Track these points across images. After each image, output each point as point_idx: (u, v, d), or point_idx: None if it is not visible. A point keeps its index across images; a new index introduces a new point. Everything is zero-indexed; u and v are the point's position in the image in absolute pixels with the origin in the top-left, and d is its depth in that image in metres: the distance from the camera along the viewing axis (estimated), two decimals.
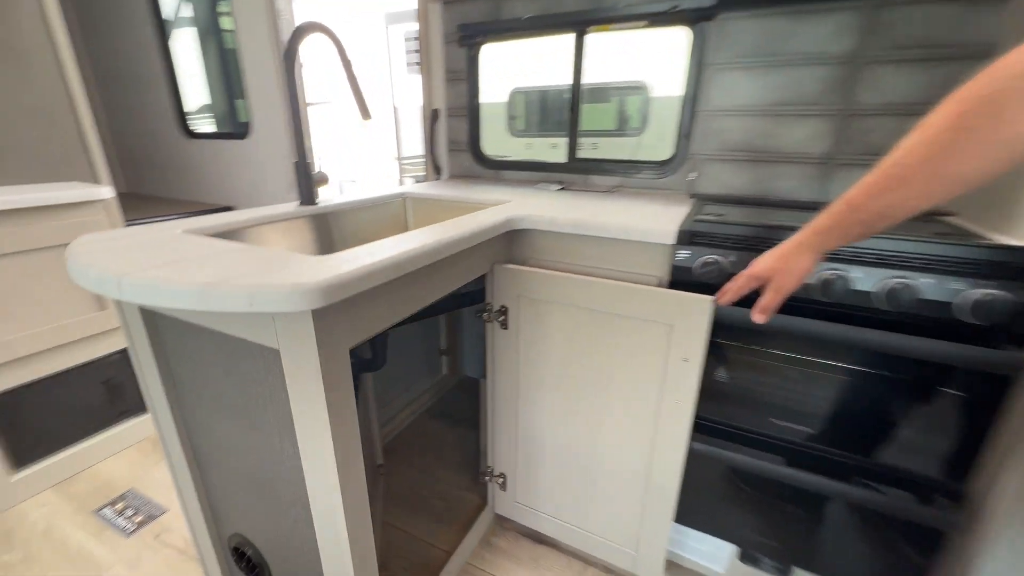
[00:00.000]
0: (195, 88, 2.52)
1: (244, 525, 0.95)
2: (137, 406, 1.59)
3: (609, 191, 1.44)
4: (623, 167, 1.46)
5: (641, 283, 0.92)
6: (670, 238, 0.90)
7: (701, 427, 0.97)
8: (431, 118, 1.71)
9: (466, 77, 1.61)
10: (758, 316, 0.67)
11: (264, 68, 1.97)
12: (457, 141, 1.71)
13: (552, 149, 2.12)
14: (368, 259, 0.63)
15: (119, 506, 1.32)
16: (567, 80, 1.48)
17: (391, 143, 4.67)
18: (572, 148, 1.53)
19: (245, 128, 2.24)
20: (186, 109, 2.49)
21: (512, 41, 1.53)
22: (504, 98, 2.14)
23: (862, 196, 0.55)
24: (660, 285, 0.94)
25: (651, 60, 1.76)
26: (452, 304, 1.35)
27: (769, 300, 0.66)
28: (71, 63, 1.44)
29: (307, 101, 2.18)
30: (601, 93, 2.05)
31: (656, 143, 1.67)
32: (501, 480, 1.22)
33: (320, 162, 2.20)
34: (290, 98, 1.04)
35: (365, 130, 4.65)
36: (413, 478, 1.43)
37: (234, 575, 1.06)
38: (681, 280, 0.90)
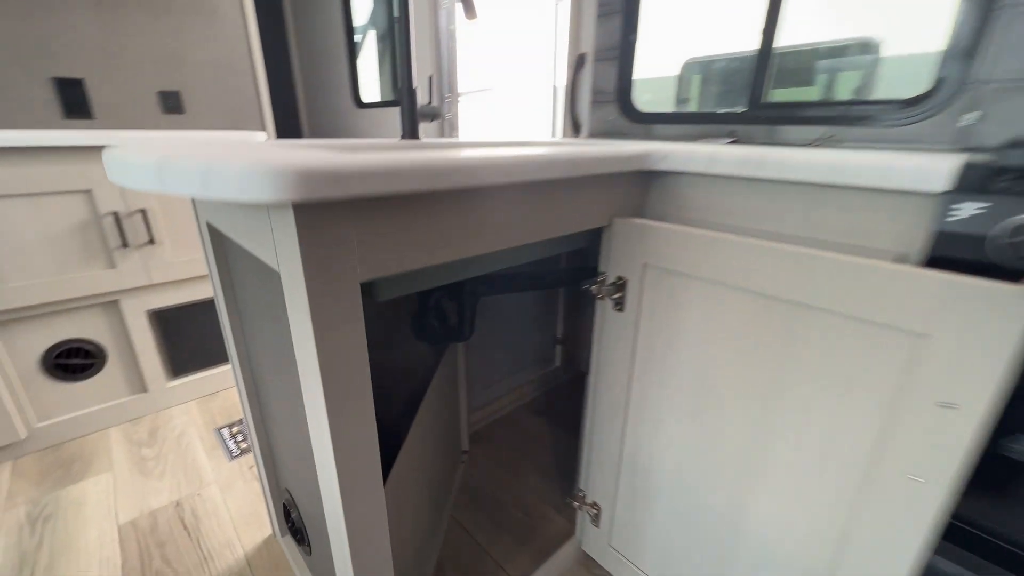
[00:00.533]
0: (367, 61, 2.71)
1: (292, 483, 0.85)
2: None
3: (810, 145, 1.00)
4: (836, 112, 1.00)
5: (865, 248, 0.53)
6: (939, 180, 0.49)
7: (961, 535, 0.54)
8: (575, 65, 1.46)
9: (622, 8, 1.31)
10: None
11: (423, 47, 1.97)
12: (603, 91, 1.42)
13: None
14: (393, 156, 0.42)
15: (234, 429, 1.41)
16: (755, 43, 1.08)
17: (547, 127, 4.56)
18: (756, 91, 1.12)
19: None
20: (360, 82, 2.70)
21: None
22: (672, 72, 1.75)
23: None
24: (900, 262, 0.53)
25: None
26: (562, 278, 1.10)
27: None
28: (253, 23, 1.57)
29: (460, 90, 2.15)
30: (803, 65, 1.41)
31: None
32: (594, 512, 0.93)
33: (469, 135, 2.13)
34: (402, 15, 0.90)
35: (523, 115, 4.62)
36: (496, 476, 1.23)
37: (286, 529, 0.99)
38: (956, 257, 0.49)
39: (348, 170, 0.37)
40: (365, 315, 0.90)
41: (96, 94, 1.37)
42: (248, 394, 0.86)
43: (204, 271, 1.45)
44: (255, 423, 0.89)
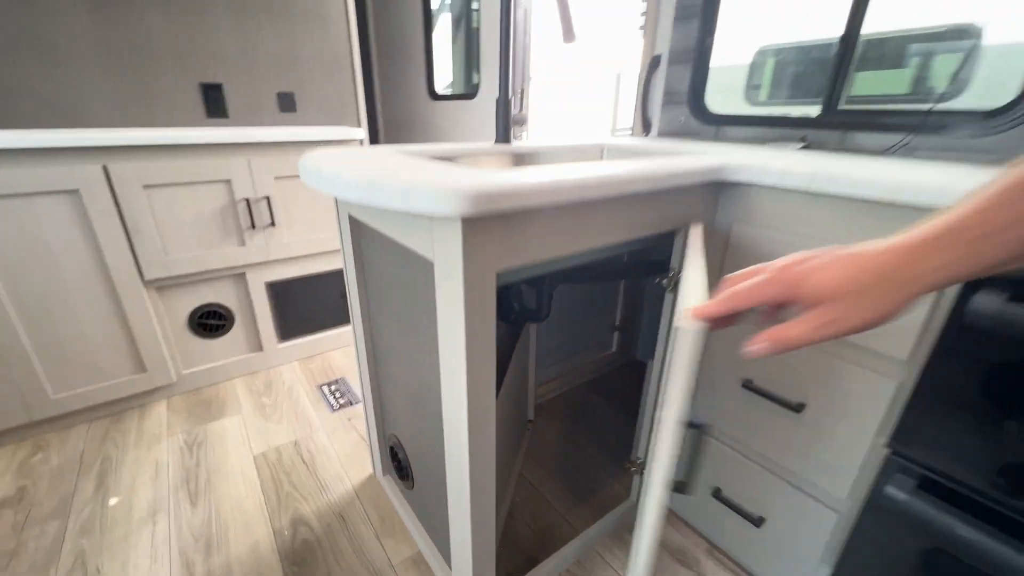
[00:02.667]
0: (443, 56, 2.86)
1: (399, 428, 1.04)
2: None
3: (884, 153, 1.04)
4: (912, 120, 1.03)
5: None
6: None
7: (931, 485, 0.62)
8: (650, 66, 1.53)
9: (700, 12, 1.37)
10: (762, 345, 0.35)
11: (495, 32, 2.09)
12: (675, 92, 1.49)
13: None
14: (528, 177, 0.56)
15: (333, 387, 1.65)
16: (836, 31, 1.12)
17: (607, 114, 4.56)
18: (831, 97, 1.16)
19: (475, 89, 2.44)
20: (435, 75, 2.86)
21: None
22: (744, 60, 1.76)
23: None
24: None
25: None
26: (631, 272, 1.21)
27: (800, 334, 0.34)
28: (355, 24, 1.76)
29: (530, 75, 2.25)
30: (893, 50, 1.35)
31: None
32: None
33: (535, 124, 2.23)
34: (502, 32, 1.03)
35: (583, 103, 4.64)
36: (559, 445, 1.38)
37: (388, 468, 1.19)
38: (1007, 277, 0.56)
39: (504, 190, 0.51)
40: None
41: (231, 97, 1.61)
42: (367, 354, 1.05)
43: (310, 251, 1.68)
44: (370, 378, 1.08)
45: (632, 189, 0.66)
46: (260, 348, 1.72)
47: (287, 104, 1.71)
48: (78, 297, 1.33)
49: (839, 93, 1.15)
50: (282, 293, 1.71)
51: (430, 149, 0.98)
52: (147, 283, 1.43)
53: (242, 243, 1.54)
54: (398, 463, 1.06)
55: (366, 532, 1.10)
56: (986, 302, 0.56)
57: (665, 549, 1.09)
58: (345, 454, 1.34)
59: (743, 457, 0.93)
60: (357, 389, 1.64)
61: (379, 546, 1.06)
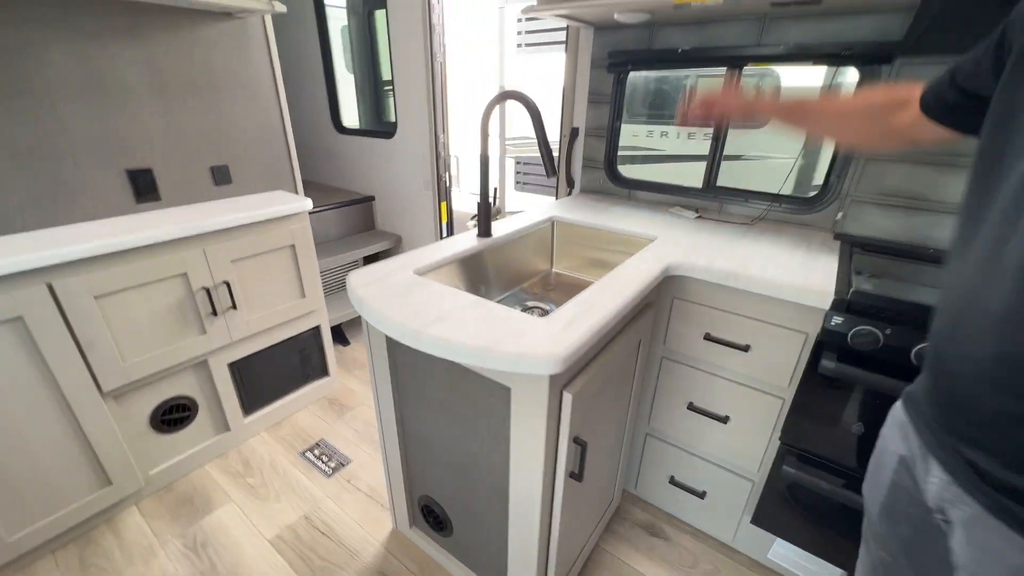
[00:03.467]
0: (346, 88, 2.82)
1: (434, 490, 1.22)
2: (317, 371, 1.98)
3: (749, 224, 1.49)
4: (765, 199, 1.50)
5: (790, 330, 1.02)
6: (825, 303, 0.98)
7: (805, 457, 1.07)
8: (570, 136, 1.83)
9: (610, 101, 1.70)
10: (698, 108, 0.96)
11: (415, 80, 2.19)
12: (593, 159, 1.82)
13: (662, 138, 2.12)
14: (587, 332, 0.81)
15: (317, 452, 1.71)
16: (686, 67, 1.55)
17: (495, 123, 4.81)
18: (710, 176, 1.59)
19: (392, 128, 2.50)
20: (341, 109, 2.81)
21: (661, 71, 1.59)
22: None
23: (808, 103, 0.89)
24: (808, 341, 1.03)
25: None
26: None
27: (711, 102, 0.95)
28: (283, 92, 1.75)
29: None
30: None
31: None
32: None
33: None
34: (481, 150, 1.22)
35: (472, 108, 4.81)
36: None
37: (416, 522, 1.36)
38: (831, 343, 0.99)
39: (580, 349, 0.76)
40: None
41: (161, 178, 1.50)
42: (398, 432, 1.20)
43: (271, 324, 1.68)
44: (400, 452, 1.23)
45: (634, 302, 0.95)
46: (227, 428, 1.69)
47: (222, 177, 1.64)
48: (30, 428, 1.21)
49: (715, 177, 1.58)
50: (244, 369, 1.69)
51: (438, 259, 1.15)
52: (105, 395, 1.33)
53: (203, 331, 1.50)
54: (435, 518, 1.25)
55: None
56: (826, 360, 0.98)
57: (637, 525, 1.47)
58: (360, 515, 1.46)
59: (689, 454, 1.33)
60: (343, 450, 1.72)
61: None
